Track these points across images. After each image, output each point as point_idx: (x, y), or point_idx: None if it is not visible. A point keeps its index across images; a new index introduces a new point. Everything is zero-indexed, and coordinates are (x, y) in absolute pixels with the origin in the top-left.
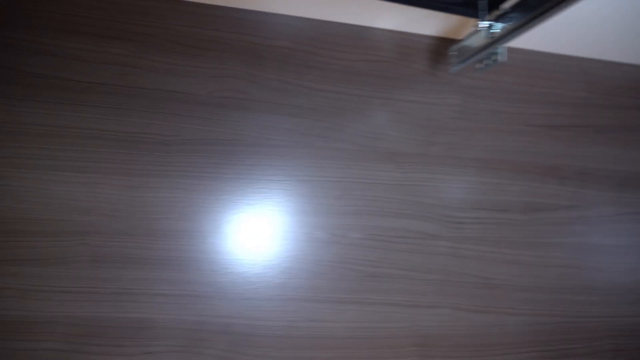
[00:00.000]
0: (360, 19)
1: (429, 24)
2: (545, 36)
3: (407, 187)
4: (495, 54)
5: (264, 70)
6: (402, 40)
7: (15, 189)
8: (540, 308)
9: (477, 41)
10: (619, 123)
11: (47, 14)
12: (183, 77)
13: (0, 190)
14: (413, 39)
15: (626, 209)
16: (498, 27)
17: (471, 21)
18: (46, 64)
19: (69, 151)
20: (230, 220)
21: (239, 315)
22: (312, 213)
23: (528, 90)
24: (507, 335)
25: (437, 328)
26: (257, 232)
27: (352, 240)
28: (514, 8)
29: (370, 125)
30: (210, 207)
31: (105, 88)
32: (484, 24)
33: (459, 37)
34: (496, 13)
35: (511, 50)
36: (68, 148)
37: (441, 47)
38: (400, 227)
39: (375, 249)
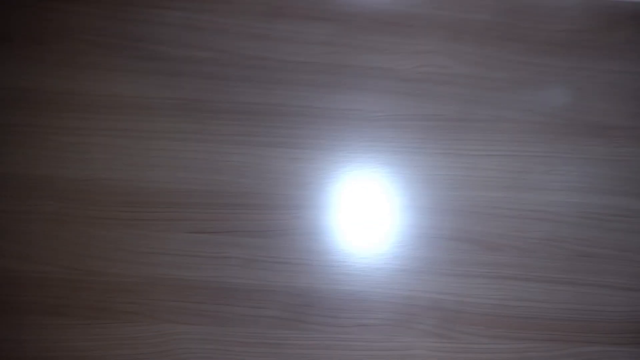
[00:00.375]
0: None
1: None
2: None
3: (619, 162)
4: None
5: (463, 45)
6: (606, 8)
7: (237, 164)
8: None
9: None
10: None
11: (256, 1)
12: (386, 54)
13: (225, 166)
14: (618, 5)
15: None
16: None
17: None
18: (259, 47)
19: (282, 128)
20: (438, 196)
21: (449, 292)
22: (519, 189)
23: None
24: None
25: None
26: (463, 209)
27: (562, 218)
28: None
29: (576, 98)
30: (416, 183)
31: (314, 67)
32: None
33: None
34: None
35: None
36: (281, 125)
37: None
38: (614, 204)
39: (587, 227)
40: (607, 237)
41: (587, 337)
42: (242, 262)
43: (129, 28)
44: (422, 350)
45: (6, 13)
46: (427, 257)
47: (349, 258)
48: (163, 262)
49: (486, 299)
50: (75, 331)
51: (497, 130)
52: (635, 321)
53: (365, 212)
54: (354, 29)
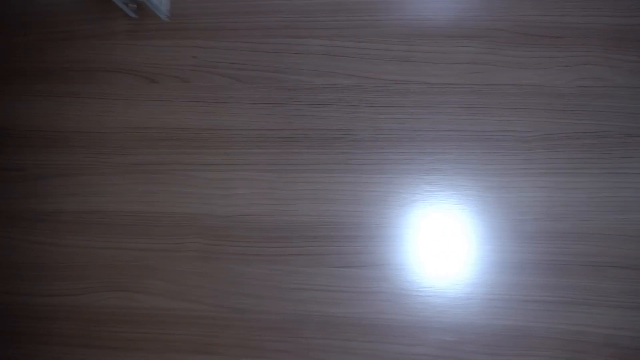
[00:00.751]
0: None
1: None
2: None
3: None
4: None
5: (623, 53)
6: None
7: (383, 194)
8: None
9: None
10: None
11: (396, 23)
12: (536, 69)
13: (370, 196)
14: None
15: None
16: None
17: None
18: (402, 70)
19: (429, 154)
20: (603, 220)
21: (623, 326)
22: None
23: None
24: None
25: None
26: (634, 233)
27: None
28: None
29: None
30: (578, 207)
31: (458, 88)
32: None
33: None
34: None
35: None
36: (429, 151)
37: None
38: None
39: None
40: None
41: None
42: (391, 297)
43: (269, 59)
44: None
45: (148, 56)
46: (596, 287)
47: (509, 290)
48: (311, 298)
49: None
50: None
51: None
52: None
53: (521, 240)
54: (500, 45)
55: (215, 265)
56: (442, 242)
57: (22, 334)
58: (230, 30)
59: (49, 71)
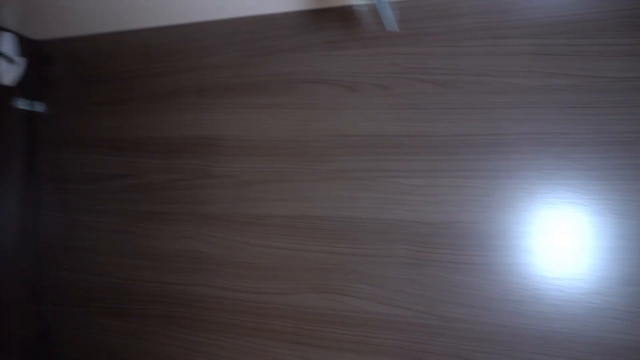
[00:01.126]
0: None
1: None
2: None
3: None
4: None
5: None
6: None
7: (609, 201)
8: None
9: None
10: None
11: (616, 14)
12: None
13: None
14: None
15: None
16: None
17: None
18: (628, 66)
19: None
20: None
21: None
22: None
23: None
24: None
25: None
26: None
27: None
28: None
29: None
30: None
31: None
32: None
33: None
34: None
35: None
36: None
37: None
38: None
39: None
40: None
41: None
42: (622, 315)
43: (472, 62)
44: None
45: (347, 66)
46: None
47: None
48: (528, 310)
49: None
50: None
51: None
52: None
53: None
54: None
55: (423, 272)
56: None
57: (235, 326)
58: (429, 35)
59: (253, 85)
